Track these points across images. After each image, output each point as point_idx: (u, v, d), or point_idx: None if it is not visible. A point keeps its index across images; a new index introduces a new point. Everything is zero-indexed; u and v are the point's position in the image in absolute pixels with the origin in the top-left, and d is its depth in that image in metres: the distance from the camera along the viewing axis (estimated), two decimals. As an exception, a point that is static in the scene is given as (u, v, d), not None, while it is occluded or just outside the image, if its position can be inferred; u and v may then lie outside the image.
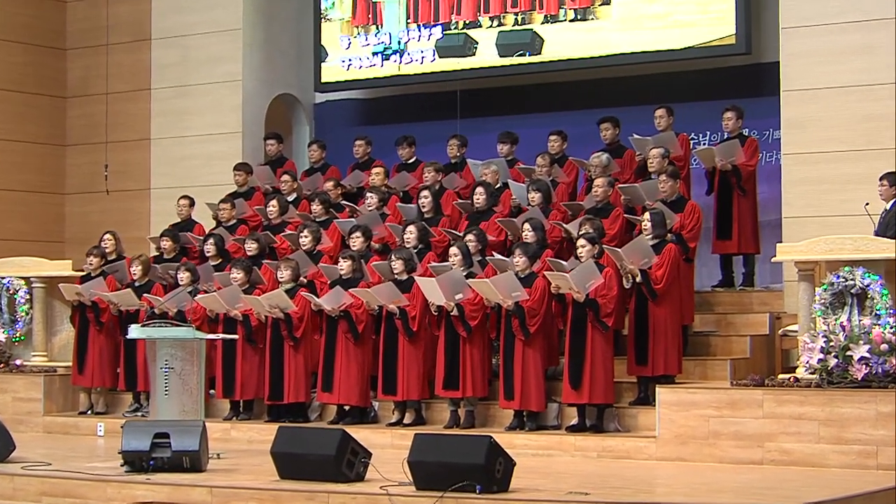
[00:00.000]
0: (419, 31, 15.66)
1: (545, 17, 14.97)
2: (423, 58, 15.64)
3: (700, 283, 13.17)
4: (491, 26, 15.32)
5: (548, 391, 11.59)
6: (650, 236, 11.54)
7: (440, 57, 15.53)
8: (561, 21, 14.89)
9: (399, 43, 15.76)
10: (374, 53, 15.91)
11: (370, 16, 16.02)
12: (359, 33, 16.03)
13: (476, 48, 15.36)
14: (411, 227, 12.71)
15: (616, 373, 11.40)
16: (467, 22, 15.47)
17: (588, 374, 11.11)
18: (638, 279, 11.26)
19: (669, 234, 11.74)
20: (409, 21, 15.73)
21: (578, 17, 14.75)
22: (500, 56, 15.18)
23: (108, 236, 14.31)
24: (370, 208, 13.68)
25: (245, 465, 10.50)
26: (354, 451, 9.39)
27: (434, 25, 15.55)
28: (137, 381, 13.43)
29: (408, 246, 12.61)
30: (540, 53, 14.94)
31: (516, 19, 15.18)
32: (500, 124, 14.76)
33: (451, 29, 15.49)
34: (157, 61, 16.62)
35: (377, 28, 15.94)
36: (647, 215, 11.68)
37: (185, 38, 16.39)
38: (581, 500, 8.46)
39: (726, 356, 12.11)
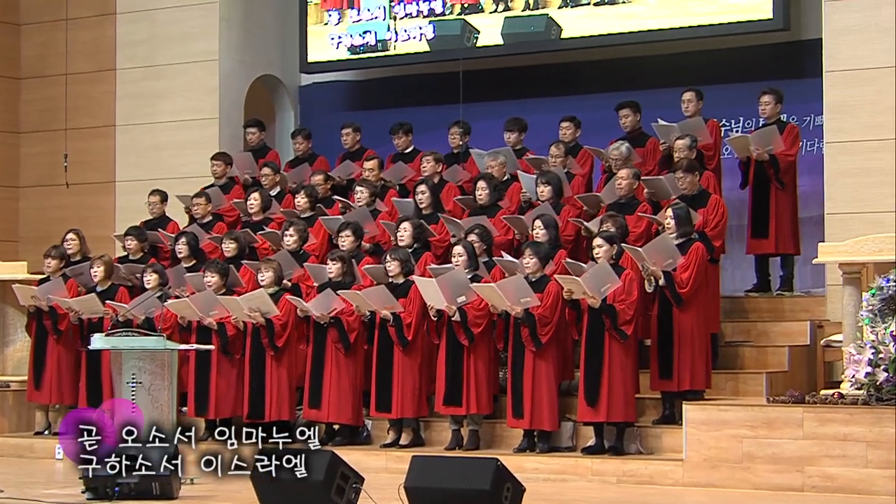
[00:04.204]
0: (416, 4, 15.57)
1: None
2: (421, 34, 15.58)
3: (733, 286, 13.17)
4: (495, 11, 15.03)
5: (561, 408, 11.59)
6: (674, 235, 11.52)
7: (433, 49, 15.41)
8: (583, 5, 14.67)
9: (392, 23, 15.66)
10: (357, 35, 15.81)
11: (344, -4, 15.96)
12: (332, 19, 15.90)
13: (477, 38, 15.15)
14: (405, 224, 12.66)
15: (638, 388, 11.38)
16: (466, 6, 15.21)
17: (606, 390, 11.09)
18: (661, 282, 11.24)
19: (693, 233, 11.72)
20: (392, 4, 15.59)
21: (605, -1, 14.56)
22: (506, 46, 14.98)
23: (71, 235, 14.23)
24: (360, 203, 13.65)
25: (222, 492, 10.45)
26: (345, 476, 9.37)
27: (430, 0, 15.44)
28: (101, 396, 13.39)
29: (402, 245, 12.57)
30: (557, 44, 14.71)
31: (527, 2, 14.93)
32: (507, 110, 14.74)
33: (445, 14, 15.28)
34: (122, 38, 16.60)
35: (353, 12, 15.82)
36: (669, 211, 11.65)
37: (154, 13, 16.38)
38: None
39: (761, 369, 12.09)
